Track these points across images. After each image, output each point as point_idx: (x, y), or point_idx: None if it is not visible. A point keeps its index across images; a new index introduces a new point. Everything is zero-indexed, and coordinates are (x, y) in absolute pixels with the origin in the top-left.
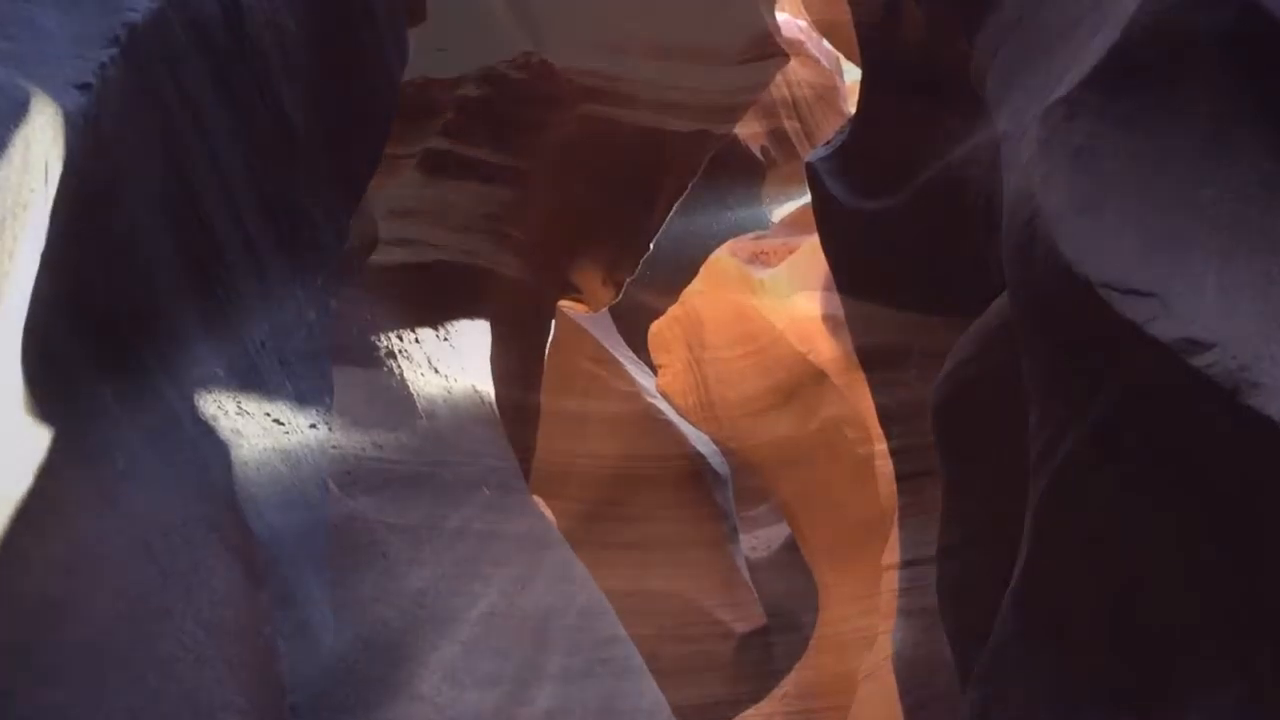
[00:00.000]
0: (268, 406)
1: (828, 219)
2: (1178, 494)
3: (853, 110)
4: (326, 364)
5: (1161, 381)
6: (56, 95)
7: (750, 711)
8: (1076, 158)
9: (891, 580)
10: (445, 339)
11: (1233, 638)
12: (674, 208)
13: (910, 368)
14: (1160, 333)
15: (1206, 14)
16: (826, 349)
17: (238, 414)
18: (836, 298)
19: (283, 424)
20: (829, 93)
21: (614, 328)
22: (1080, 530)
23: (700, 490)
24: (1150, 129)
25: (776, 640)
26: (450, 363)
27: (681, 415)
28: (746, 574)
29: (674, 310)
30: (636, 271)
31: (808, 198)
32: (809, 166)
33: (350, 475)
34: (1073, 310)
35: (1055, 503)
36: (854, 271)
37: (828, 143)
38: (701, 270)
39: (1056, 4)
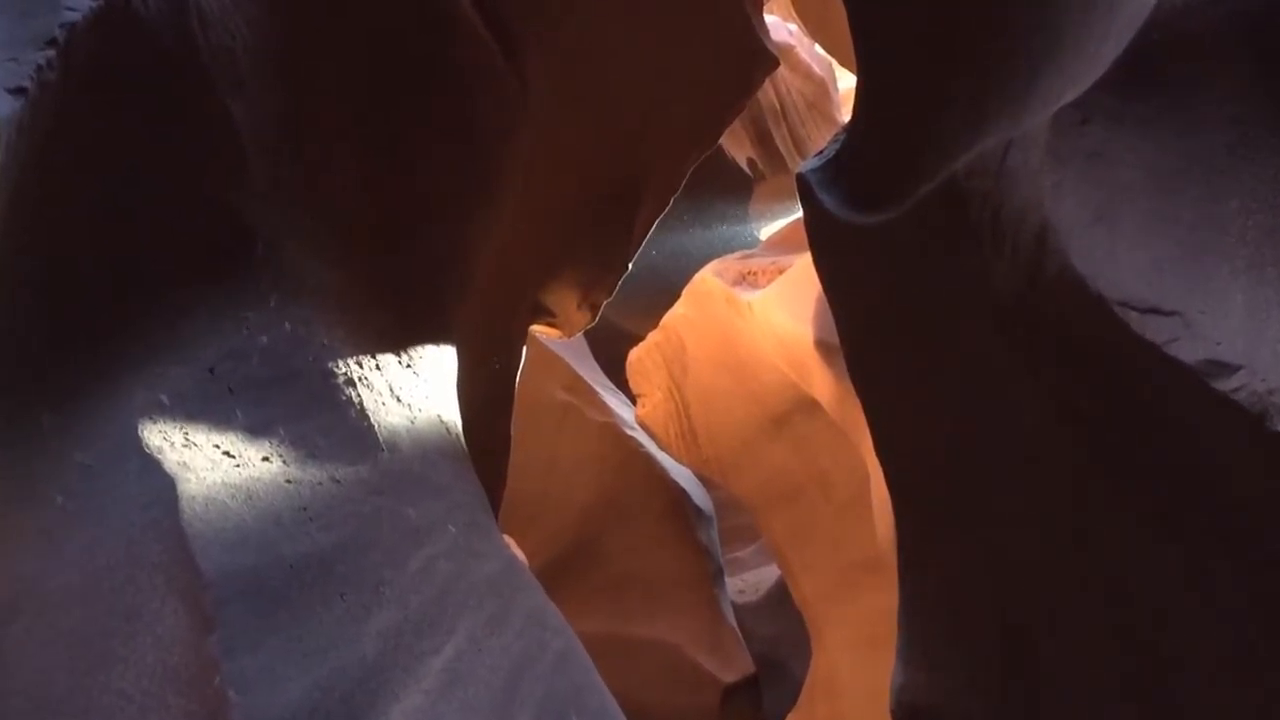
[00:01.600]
0: (217, 438)
1: (821, 235)
2: (1198, 526)
3: (847, 119)
4: (280, 392)
5: (1183, 407)
6: None
7: None
8: (1090, 165)
9: (889, 624)
10: (408, 366)
11: (1255, 679)
12: (654, 225)
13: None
14: (1182, 354)
15: (1231, 8)
16: (820, 377)
17: (184, 446)
18: (830, 321)
19: (233, 456)
20: (821, 100)
21: (589, 354)
22: (1094, 569)
23: (683, 528)
24: (1169, 134)
25: (766, 690)
26: (414, 391)
27: (662, 448)
28: (733, 619)
29: (654, 335)
30: (614, 294)
31: (798, 213)
32: (800, 178)
33: (306, 511)
34: (1086, 330)
35: (1067, 540)
36: (850, 292)
37: (820, 152)
38: (684, 292)
39: (1065, 4)
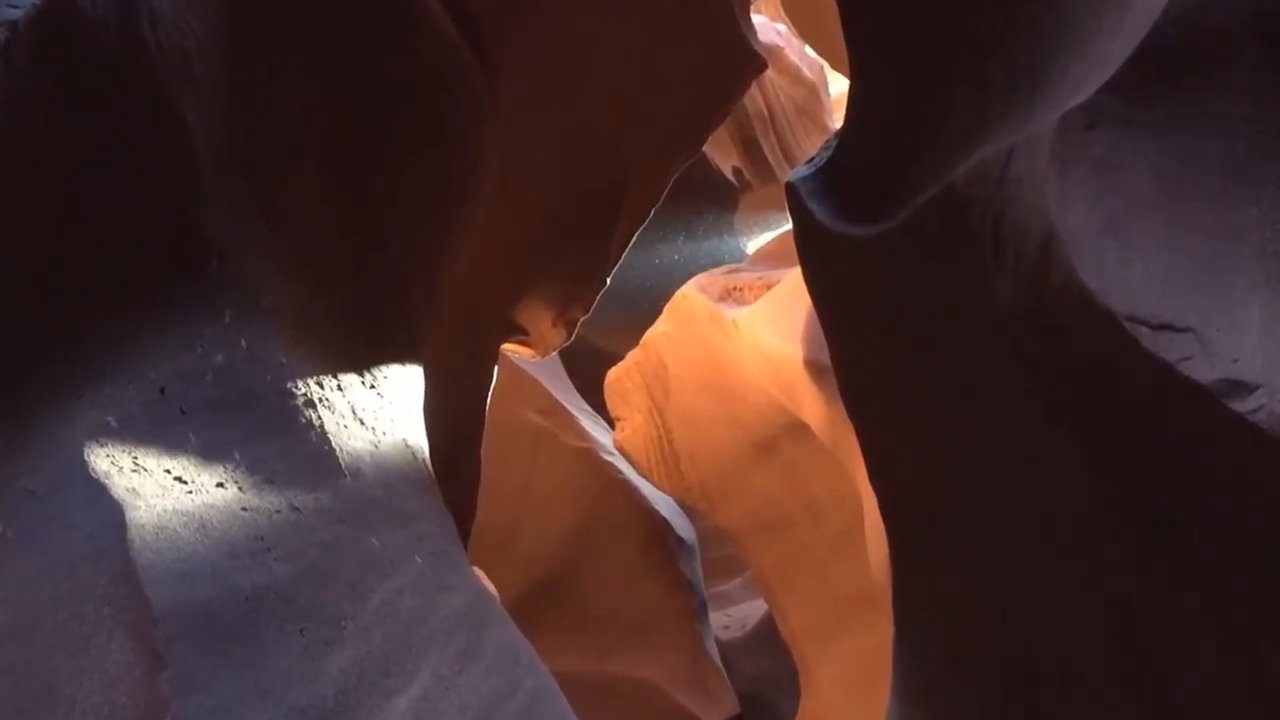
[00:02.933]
0: (168, 462)
1: (811, 248)
2: (1213, 554)
3: (838, 125)
4: (236, 414)
5: (1198, 429)
6: None
7: None
8: (1098, 172)
9: (883, 661)
10: (372, 386)
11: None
12: (634, 238)
13: None
14: (1197, 373)
15: (1249, 5)
16: (810, 399)
17: (133, 471)
18: (821, 340)
19: (185, 482)
20: (812, 105)
21: (565, 375)
22: (1103, 603)
23: (664, 560)
24: (1183, 138)
25: None
26: (378, 414)
27: (642, 474)
28: (717, 656)
29: (634, 355)
30: (590, 311)
31: (787, 225)
32: (789, 187)
33: (263, 541)
34: (1094, 348)
35: (1075, 572)
36: (842, 308)
37: (811, 160)
38: (665, 309)
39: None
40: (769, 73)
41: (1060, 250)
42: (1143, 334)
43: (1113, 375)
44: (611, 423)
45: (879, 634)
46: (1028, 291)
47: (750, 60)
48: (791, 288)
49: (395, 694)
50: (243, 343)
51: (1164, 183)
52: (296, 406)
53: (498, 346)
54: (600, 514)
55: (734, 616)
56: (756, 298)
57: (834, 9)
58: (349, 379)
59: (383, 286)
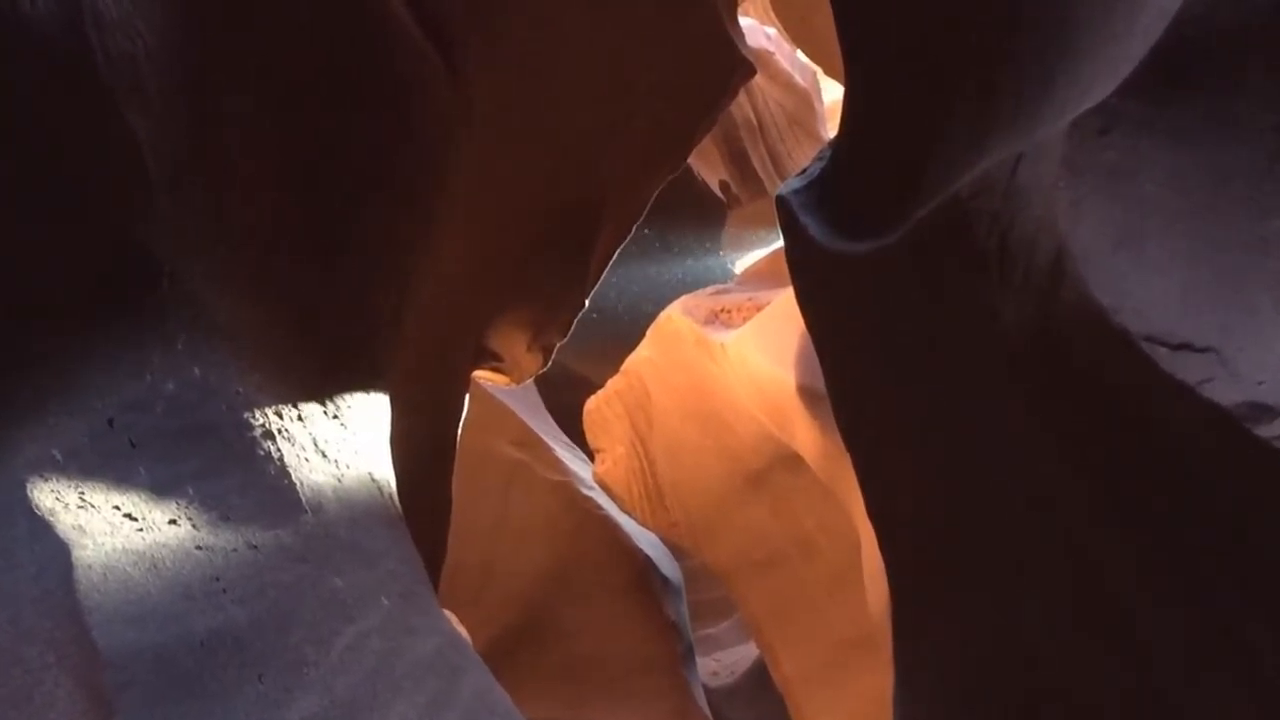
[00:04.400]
0: (117, 498)
1: (804, 266)
2: (1233, 591)
3: (832, 134)
4: (189, 446)
5: (1220, 456)
6: None
7: None
8: (1112, 180)
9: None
10: (335, 416)
11: None
12: (614, 256)
13: None
14: (1219, 396)
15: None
16: (803, 428)
17: (80, 507)
18: (815, 365)
19: (136, 519)
20: (803, 114)
21: (541, 404)
22: (1120, 641)
23: (648, 602)
24: (1203, 144)
25: None
26: (341, 446)
27: (624, 510)
28: (705, 705)
29: (615, 382)
30: (568, 335)
31: (778, 242)
32: (780, 201)
33: (219, 582)
34: (1108, 370)
35: (1089, 609)
36: (837, 331)
37: (803, 172)
38: (648, 333)
39: None
40: (758, 79)
41: (1071, 266)
42: (1160, 355)
43: (1128, 400)
44: (591, 455)
45: (878, 680)
46: (1036, 311)
47: (738, 66)
48: (783, 309)
49: None
50: (196, 370)
51: (1183, 192)
52: (254, 438)
53: (469, 373)
54: (579, 552)
55: (723, 662)
56: (745, 320)
57: (827, 11)
58: (310, 408)
59: (346, 310)
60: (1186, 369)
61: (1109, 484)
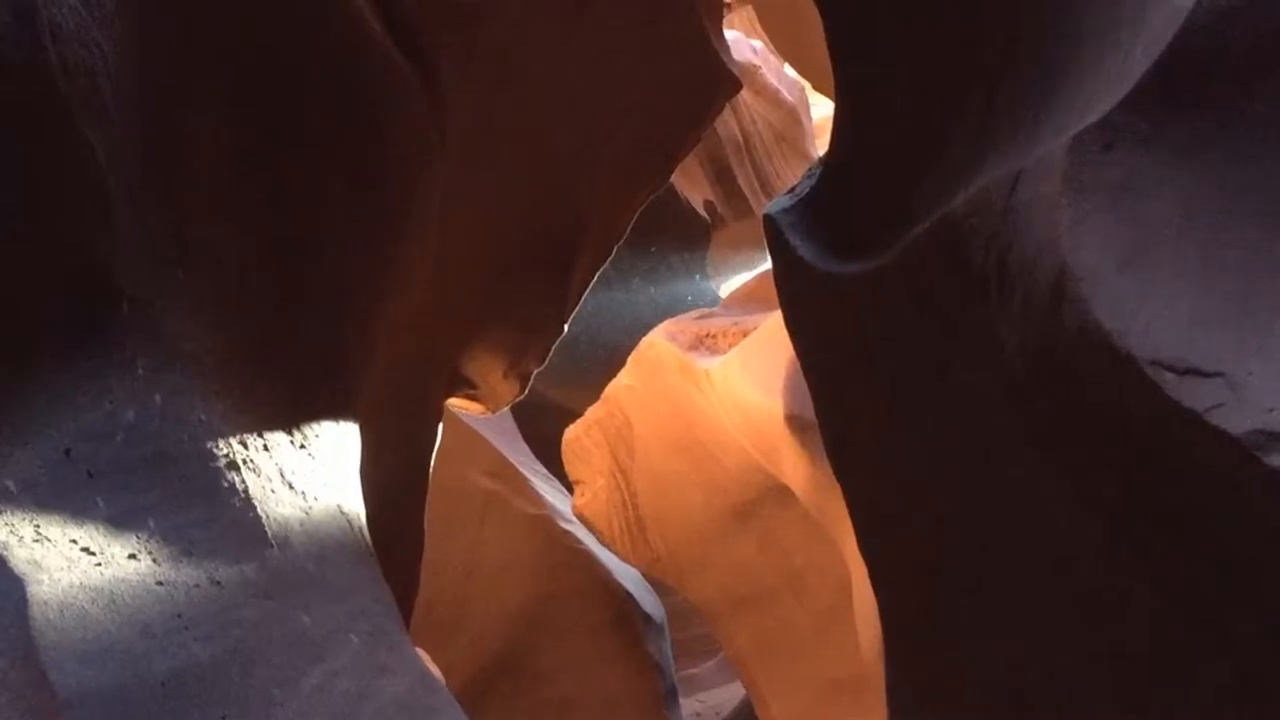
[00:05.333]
0: (74, 532)
1: (793, 289)
2: (1247, 629)
3: (822, 152)
4: (150, 477)
5: (1230, 486)
6: None
7: None
8: (1116, 199)
9: None
10: (302, 446)
11: None
12: (594, 279)
13: None
14: (1229, 423)
15: None
16: (792, 459)
17: (35, 541)
18: (805, 392)
19: (94, 554)
20: (791, 131)
21: (518, 433)
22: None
23: (629, 640)
24: (1211, 160)
25: None
26: (309, 477)
27: (604, 544)
28: None
29: (595, 411)
30: (546, 361)
31: (765, 264)
32: (768, 221)
33: (181, 619)
34: (1112, 397)
35: (1091, 649)
36: (828, 356)
37: (791, 190)
38: (629, 359)
39: (1087, 5)
40: (744, 95)
41: (1074, 288)
42: (1167, 380)
43: (1133, 428)
44: (570, 487)
45: None
46: (1037, 335)
47: (723, 81)
48: (770, 334)
49: None
50: (157, 398)
51: (1190, 210)
52: (218, 469)
53: (443, 402)
54: (557, 589)
55: (707, 703)
56: (731, 346)
57: (816, 24)
58: (276, 438)
59: (314, 335)
60: (1194, 395)
61: (1116, 515)
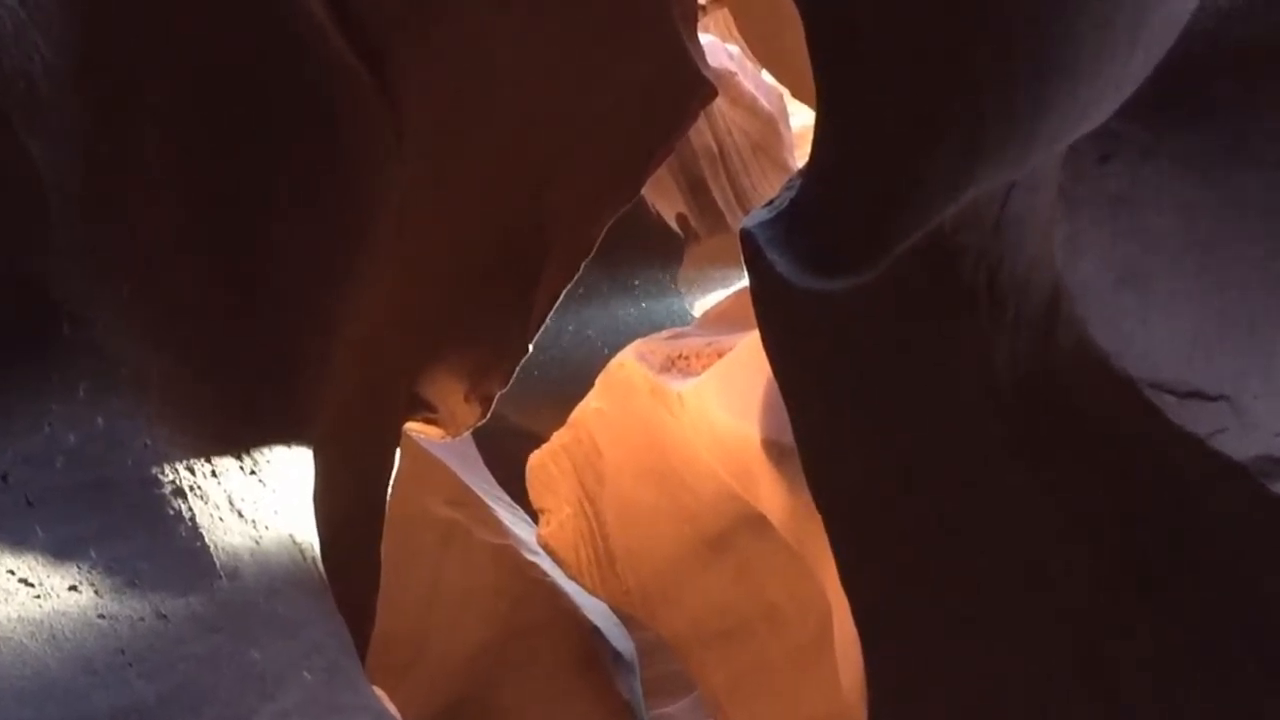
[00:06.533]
0: (12, 562)
1: (771, 307)
2: (1246, 661)
3: (802, 163)
4: (91, 504)
5: (1232, 514)
6: None
7: None
8: (1114, 213)
9: None
10: (252, 472)
11: None
12: (560, 297)
13: None
14: (1232, 449)
15: None
16: (768, 486)
17: None
18: (783, 416)
19: (32, 585)
20: (769, 141)
21: (479, 459)
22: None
23: (597, 677)
24: (1214, 172)
25: None
26: (259, 504)
27: (571, 576)
28: None
29: (561, 436)
30: (509, 383)
31: (741, 281)
32: (745, 236)
33: (125, 654)
34: (1109, 420)
35: (1084, 682)
36: (807, 378)
37: (769, 203)
38: (597, 381)
39: (1082, 6)
40: (719, 102)
41: (1069, 306)
42: (1168, 403)
43: (1132, 454)
44: (534, 516)
45: None
46: (1030, 356)
47: (697, 87)
48: (747, 355)
49: None
50: (99, 421)
51: (1192, 224)
52: (163, 496)
53: (401, 426)
54: (521, 623)
55: None
56: (705, 367)
57: (796, 27)
58: (225, 463)
59: (265, 356)
60: (1197, 419)
61: (1112, 545)
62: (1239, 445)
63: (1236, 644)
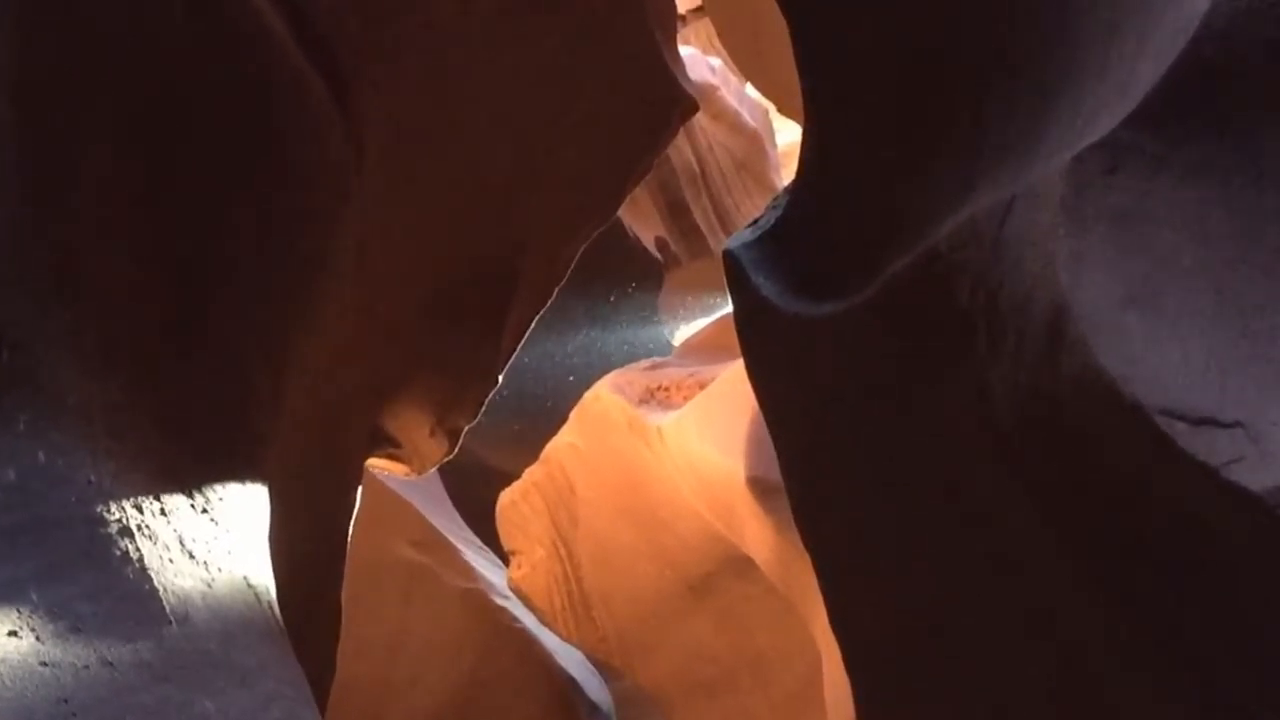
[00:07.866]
0: None
1: (756, 332)
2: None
3: (787, 181)
4: (31, 544)
5: (1250, 547)
6: None
7: None
8: (1121, 228)
9: None
10: (204, 511)
11: None
12: (531, 325)
13: None
14: (1248, 479)
15: None
16: (754, 526)
17: None
18: (769, 451)
19: None
20: (753, 159)
21: (446, 498)
22: None
23: None
24: (1228, 185)
25: None
26: (211, 545)
27: (544, 623)
28: None
29: (533, 472)
30: (478, 416)
31: (724, 307)
32: (729, 258)
33: (68, 704)
34: (1116, 449)
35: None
36: (795, 410)
37: (754, 223)
38: (572, 415)
39: (1085, 7)
40: (700, 118)
41: (1073, 328)
42: (1180, 431)
43: (1142, 485)
44: (505, 558)
45: None
46: (1031, 383)
47: (676, 102)
48: (730, 386)
49: None
50: (41, 455)
51: (1204, 240)
52: (109, 535)
53: (362, 462)
54: (491, 673)
55: None
56: (686, 399)
57: (782, 38)
58: (175, 501)
59: (217, 388)
60: (1210, 448)
61: (1121, 585)
62: (1255, 475)
63: (1253, 688)
